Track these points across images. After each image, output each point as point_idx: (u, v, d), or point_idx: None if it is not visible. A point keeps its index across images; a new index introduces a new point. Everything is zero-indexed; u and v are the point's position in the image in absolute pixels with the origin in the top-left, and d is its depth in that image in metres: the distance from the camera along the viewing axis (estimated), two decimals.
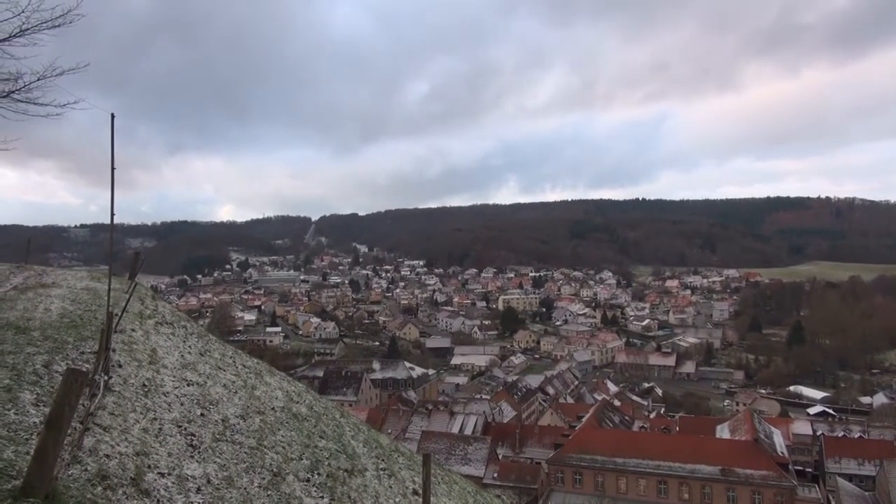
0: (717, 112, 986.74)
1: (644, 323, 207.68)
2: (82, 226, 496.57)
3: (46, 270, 14.29)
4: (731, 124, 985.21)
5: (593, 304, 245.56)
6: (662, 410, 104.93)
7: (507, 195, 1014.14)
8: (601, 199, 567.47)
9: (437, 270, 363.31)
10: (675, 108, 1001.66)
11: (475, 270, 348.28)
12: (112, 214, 7.66)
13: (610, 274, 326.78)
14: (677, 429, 71.62)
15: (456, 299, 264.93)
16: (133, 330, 10.16)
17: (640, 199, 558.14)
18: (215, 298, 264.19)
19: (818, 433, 75.94)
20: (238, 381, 10.38)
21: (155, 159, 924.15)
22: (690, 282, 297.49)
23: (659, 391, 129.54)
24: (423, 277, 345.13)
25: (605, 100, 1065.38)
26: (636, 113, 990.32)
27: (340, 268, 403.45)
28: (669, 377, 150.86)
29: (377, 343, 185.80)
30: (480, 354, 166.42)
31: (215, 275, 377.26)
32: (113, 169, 7.06)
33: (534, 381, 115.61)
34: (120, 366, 8.41)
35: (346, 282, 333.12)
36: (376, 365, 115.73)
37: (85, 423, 6.11)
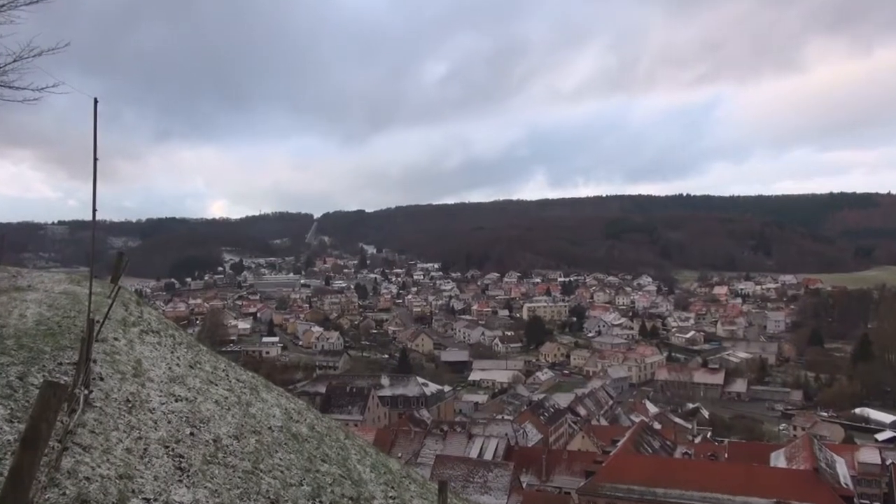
0: (776, 96, 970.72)
1: (688, 335, 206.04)
2: (61, 223, 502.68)
3: (21, 272, 14.48)
4: (790, 110, 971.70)
5: (630, 314, 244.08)
6: (709, 435, 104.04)
7: (533, 190, 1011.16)
8: (640, 195, 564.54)
9: (453, 274, 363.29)
10: (728, 92, 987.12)
11: (497, 275, 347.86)
12: (94, 210, 7.75)
13: (649, 279, 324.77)
14: (726, 456, 70.96)
15: (475, 307, 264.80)
16: (116, 339, 10.27)
17: (685, 194, 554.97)
18: (206, 304, 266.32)
19: (888, 462, 74.75)
20: (231, 396, 10.45)
21: (140, 148, 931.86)
22: (741, 289, 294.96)
23: (705, 413, 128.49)
24: (437, 282, 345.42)
25: (648, 82, 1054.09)
26: (682, 97, 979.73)
27: (345, 271, 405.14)
28: (717, 397, 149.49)
29: (386, 356, 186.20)
30: (502, 369, 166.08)
31: (206, 278, 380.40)
32: (95, 160, 7.14)
33: (562, 400, 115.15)
34: (101, 378, 8.49)
35: (352, 287, 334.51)
36: (385, 380, 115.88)
37: (63, 442, 6.18)
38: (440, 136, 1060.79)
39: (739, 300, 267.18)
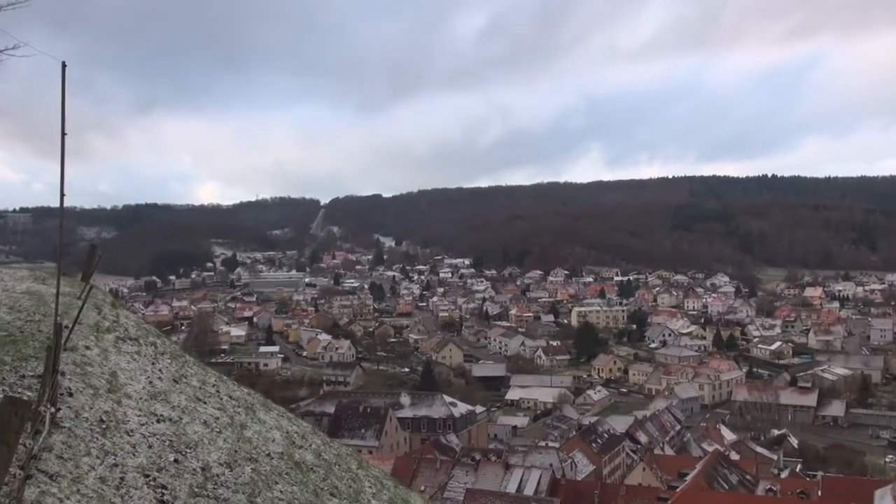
0: (890, 53, 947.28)
1: (773, 347, 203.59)
2: (23, 210, 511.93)
3: None
4: None
5: (702, 320, 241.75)
6: (798, 468, 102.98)
7: (586, 170, 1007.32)
8: (715, 176, 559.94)
9: (488, 272, 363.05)
10: (828, 48, 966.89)
11: (540, 272, 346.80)
12: (62, 195, 7.84)
13: (726, 279, 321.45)
14: (819, 493, 70.17)
15: (513, 311, 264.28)
16: (87, 347, 10.38)
17: (770, 175, 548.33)
18: (193, 307, 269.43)
19: None
20: (223, 417, 10.53)
21: (117, 120, 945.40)
22: (839, 290, 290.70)
23: (793, 441, 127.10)
24: (469, 281, 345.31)
25: (732, 37, 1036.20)
26: (774, 56, 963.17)
27: (358, 267, 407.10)
28: (809, 422, 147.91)
29: (407, 369, 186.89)
30: (546, 387, 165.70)
31: (193, 276, 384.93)
32: (63, 135, 7.20)
33: (619, 424, 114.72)
34: (71, 394, 8.58)
35: (366, 286, 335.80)
36: (405, 399, 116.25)
37: (26, 469, 6.24)
38: (475, 104, 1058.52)
39: (836, 304, 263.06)
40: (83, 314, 10.90)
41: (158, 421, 9.08)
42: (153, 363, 11.27)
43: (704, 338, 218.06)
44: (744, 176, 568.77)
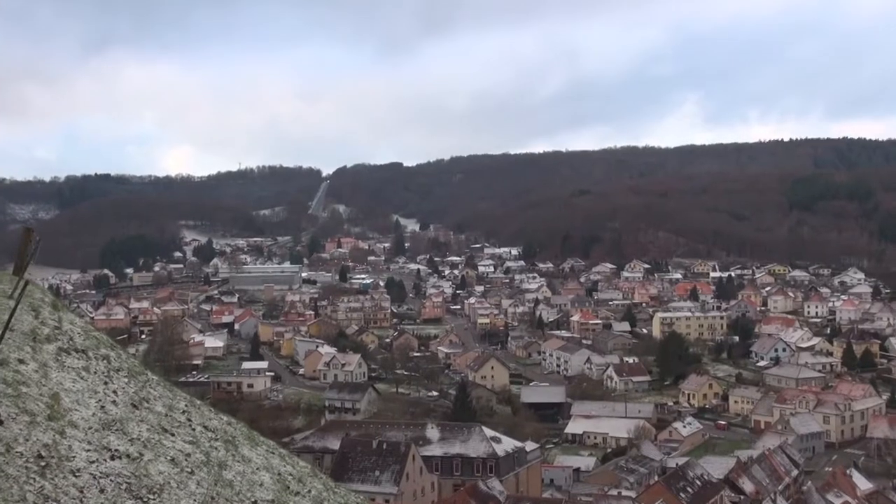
0: None
1: None
2: None
3: None
4: None
5: (828, 331, 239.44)
6: None
7: (674, 131, 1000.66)
8: (847, 139, 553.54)
9: (542, 266, 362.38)
10: None
11: (611, 267, 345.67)
12: None
13: (860, 276, 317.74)
14: None
15: (576, 318, 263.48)
16: (22, 361, 10.49)
17: None
18: (157, 310, 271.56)
19: None
20: (196, 453, 10.60)
21: (62, 65, 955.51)
22: None
23: None
24: (517, 278, 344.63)
25: None
26: None
27: (372, 258, 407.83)
28: None
29: (435, 393, 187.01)
30: (619, 417, 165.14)
31: (157, 269, 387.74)
32: None
33: (716, 467, 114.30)
34: (1, 422, 8.71)
35: (382, 283, 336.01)
36: (433, 432, 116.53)
37: None
38: (530, 43, 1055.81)
39: None
40: (16, 318, 11.02)
41: (113, 457, 9.16)
42: (106, 383, 11.36)
43: (831, 354, 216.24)
44: (885, 139, 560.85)
